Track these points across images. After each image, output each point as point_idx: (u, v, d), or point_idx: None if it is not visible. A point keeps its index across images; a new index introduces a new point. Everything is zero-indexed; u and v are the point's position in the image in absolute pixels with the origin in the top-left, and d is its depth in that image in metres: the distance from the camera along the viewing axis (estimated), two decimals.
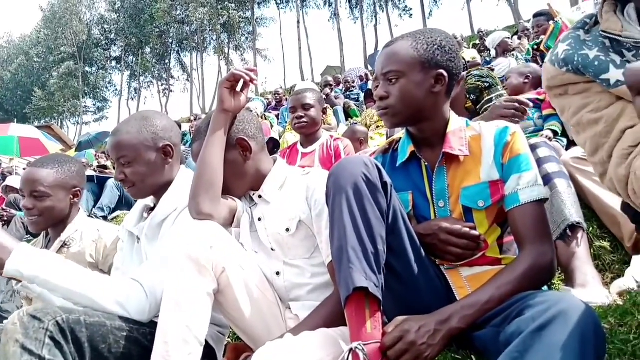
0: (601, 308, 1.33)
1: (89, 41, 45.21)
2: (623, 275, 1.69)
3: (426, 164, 1.46)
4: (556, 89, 1.28)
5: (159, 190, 1.78)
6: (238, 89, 1.63)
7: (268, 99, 11.95)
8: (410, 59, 1.41)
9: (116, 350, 1.41)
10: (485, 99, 2.64)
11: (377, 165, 1.30)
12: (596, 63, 1.17)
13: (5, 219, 5.67)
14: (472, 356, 1.21)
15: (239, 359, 1.48)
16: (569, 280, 1.74)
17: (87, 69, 46.71)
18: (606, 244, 1.96)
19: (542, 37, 5.05)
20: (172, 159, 1.78)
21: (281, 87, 12.69)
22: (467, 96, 2.20)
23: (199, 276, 1.36)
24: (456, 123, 1.47)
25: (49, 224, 2.03)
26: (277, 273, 1.56)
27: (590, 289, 1.64)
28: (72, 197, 2.02)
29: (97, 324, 1.39)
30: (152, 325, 1.53)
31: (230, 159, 1.59)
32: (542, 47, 4.50)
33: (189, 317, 1.33)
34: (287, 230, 1.54)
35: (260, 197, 1.64)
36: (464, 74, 2.29)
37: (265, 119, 7.87)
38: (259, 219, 1.62)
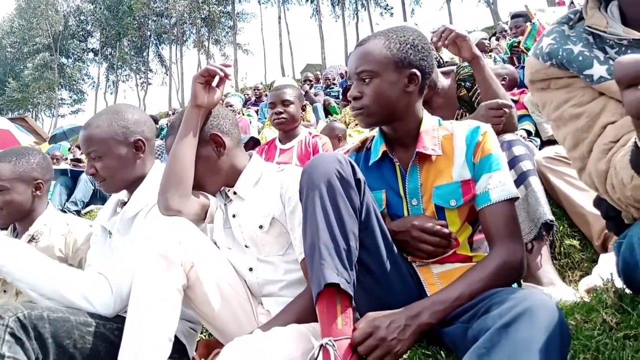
0: (568, 305, 1.36)
1: (65, 32, 44.29)
2: (591, 273, 1.73)
3: (398, 163, 1.46)
4: (539, 82, 1.29)
5: (131, 185, 1.75)
6: (214, 84, 1.61)
7: (248, 95, 11.87)
8: (383, 58, 1.40)
9: (82, 346, 1.39)
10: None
11: (350, 162, 1.30)
12: (580, 58, 1.18)
13: None
14: (442, 352, 1.22)
15: (211, 354, 1.47)
16: (531, 278, 1.77)
17: (63, 60, 45.75)
18: (575, 243, 2.01)
19: (520, 37, 5.12)
20: (143, 154, 1.75)
21: (261, 83, 12.58)
22: (462, 84, 2.19)
23: (167, 272, 1.34)
24: (429, 122, 1.47)
25: (12, 218, 1.98)
26: (250, 269, 1.55)
27: (559, 287, 1.68)
28: (34, 189, 1.96)
29: (61, 319, 1.36)
30: (119, 321, 1.51)
31: (204, 154, 1.57)
32: (521, 47, 4.57)
33: (158, 313, 1.32)
34: (261, 227, 1.53)
35: (235, 193, 1.62)
36: (453, 68, 2.28)
37: (243, 114, 7.81)
38: (233, 216, 1.61)
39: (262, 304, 1.53)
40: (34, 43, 43.57)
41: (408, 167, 1.43)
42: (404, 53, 1.40)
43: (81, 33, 46.25)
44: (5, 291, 1.89)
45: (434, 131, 1.45)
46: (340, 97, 9.11)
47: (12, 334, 1.24)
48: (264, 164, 1.72)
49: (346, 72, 13.37)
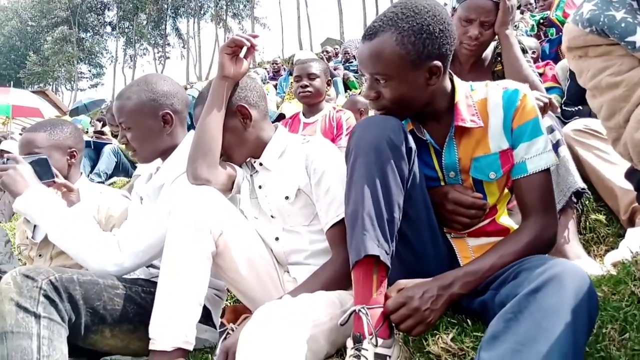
0: (595, 278, 1.36)
1: (82, 5, 44.25)
2: (617, 248, 1.72)
3: (429, 141, 1.36)
4: (576, 50, 1.26)
5: (162, 155, 1.78)
6: (241, 55, 1.60)
7: (266, 69, 11.82)
8: (397, 60, 1.24)
9: (111, 307, 1.44)
10: None
11: (403, 129, 1.26)
12: (623, 25, 1.15)
13: None
14: (467, 320, 1.24)
15: (238, 319, 1.51)
16: (557, 252, 1.77)
17: (81, 34, 45.80)
18: (601, 217, 1.99)
19: (547, 12, 4.99)
20: (172, 126, 1.76)
21: (279, 57, 12.51)
22: (500, 58, 2.15)
23: (197, 239, 1.37)
24: (462, 90, 1.37)
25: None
26: (277, 239, 1.57)
27: (585, 261, 1.68)
28: (68, 157, 2.02)
29: (90, 282, 1.41)
30: (146, 284, 1.56)
31: (231, 125, 1.58)
32: (551, 17, 4.45)
33: (188, 278, 1.36)
34: (287, 198, 1.54)
35: (261, 164, 1.64)
36: (495, 43, 2.17)
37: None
38: (260, 187, 1.62)
39: (288, 272, 1.56)
40: (53, 16, 43.64)
41: (444, 141, 1.36)
42: (421, 46, 1.23)
43: (99, 6, 46.15)
44: (40, 255, 1.96)
45: (468, 99, 1.36)
46: (360, 71, 9.02)
47: (46, 296, 1.28)
48: (289, 135, 1.72)
49: None
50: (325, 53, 10.12)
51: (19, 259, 3.61)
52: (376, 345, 1.09)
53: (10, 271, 1.30)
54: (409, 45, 1.23)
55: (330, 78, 3.22)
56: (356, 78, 8.48)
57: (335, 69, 8.29)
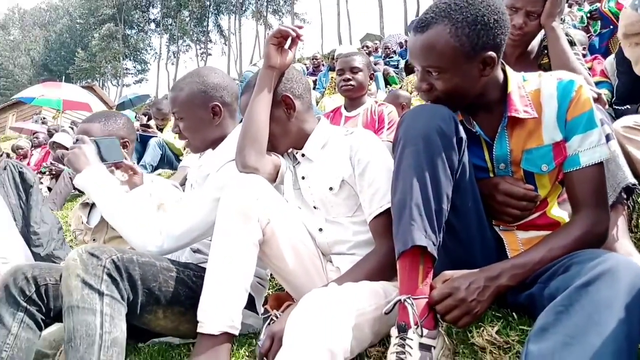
0: None
1: (128, 3, 45.48)
2: None
3: (479, 133, 1.35)
4: (633, 37, 1.22)
5: (212, 145, 1.84)
6: (286, 46, 1.63)
7: (305, 64, 11.87)
8: (451, 52, 1.23)
9: (165, 289, 1.49)
10: None
11: (453, 118, 1.24)
12: None
13: (54, 173, 5.93)
14: (513, 314, 1.23)
15: (281, 307, 1.54)
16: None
17: (127, 31, 47.14)
18: None
19: (597, 4, 4.82)
20: (220, 118, 1.81)
21: (319, 53, 12.52)
22: (545, 52, 2.11)
23: (245, 226, 1.40)
24: (514, 81, 1.35)
25: None
26: (320, 229, 1.59)
27: (637, 258, 1.63)
28: (121, 147, 2.10)
29: (148, 264, 1.46)
30: (196, 269, 1.62)
31: (275, 115, 1.60)
32: (603, 9, 4.29)
33: (236, 264, 1.39)
34: (331, 189, 1.56)
35: (303, 155, 1.66)
36: (541, 36, 2.12)
37: None
38: (303, 178, 1.65)
39: (331, 261, 1.58)
40: (100, 14, 45.07)
41: (495, 132, 1.34)
42: (475, 38, 1.21)
43: (143, 3, 47.33)
44: (94, 240, 2.05)
45: (521, 89, 1.34)
46: (400, 66, 8.95)
47: (109, 274, 1.34)
48: (332, 127, 1.74)
49: (406, 41, 13.08)
50: (365, 48, 10.07)
51: (71, 246, 3.78)
52: (421, 335, 1.10)
53: (76, 248, 1.36)
54: (463, 37, 1.22)
55: (372, 72, 3.21)
56: (396, 73, 8.42)
57: (375, 64, 8.25)
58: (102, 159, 1.81)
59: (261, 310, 1.84)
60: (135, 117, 11.81)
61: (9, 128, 19.11)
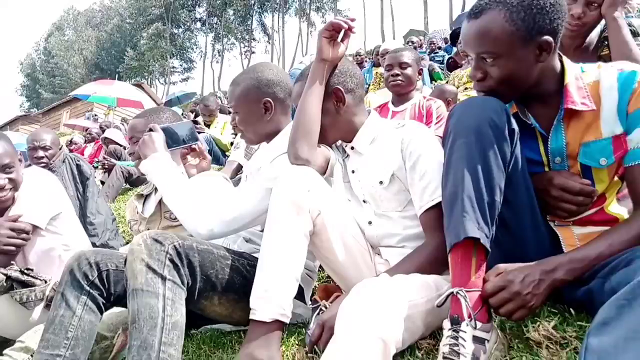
0: None
1: (175, 2, 46.62)
2: None
3: (534, 125, 1.33)
4: None
5: (266, 139, 1.90)
6: (338, 39, 1.63)
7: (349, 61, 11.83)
8: (507, 37, 1.22)
9: (222, 277, 1.53)
10: None
11: (505, 110, 1.23)
12: None
13: (107, 167, 6.17)
14: (570, 309, 1.20)
15: (330, 298, 1.56)
16: None
17: (174, 30, 48.35)
18: None
19: None
20: (271, 113, 1.85)
21: (362, 49, 12.47)
22: (605, 43, 2.03)
23: (297, 218, 1.42)
24: (572, 72, 1.32)
25: None
26: (369, 222, 1.60)
27: None
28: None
29: (207, 251, 1.50)
30: (250, 258, 1.65)
31: (325, 107, 1.61)
32: None
33: (287, 254, 1.41)
34: (381, 182, 1.56)
35: (352, 148, 1.67)
36: (601, 27, 2.06)
37: None
38: (353, 171, 1.65)
39: (380, 254, 1.58)
40: (149, 13, 46.47)
41: (551, 125, 1.32)
42: (531, 22, 1.21)
43: (190, 3, 48.40)
44: (148, 229, 2.12)
45: (578, 80, 1.30)
46: (445, 62, 8.79)
47: (171, 260, 1.39)
48: (382, 121, 1.73)
49: (451, 36, 12.84)
50: (410, 44, 9.94)
51: (123, 236, 3.93)
52: (475, 328, 1.09)
53: (140, 234, 1.42)
54: (519, 21, 1.21)
55: (421, 68, 3.19)
56: (441, 69, 8.29)
57: (421, 59, 8.15)
58: (175, 143, 1.94)
59: (309, 301, 1.87)
60: (183, 114, 12.13)
61: (63, 124, 20.01)
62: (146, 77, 48.43)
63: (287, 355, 1.46)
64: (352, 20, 1.62)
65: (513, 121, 1.24)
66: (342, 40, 1.64)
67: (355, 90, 1.67)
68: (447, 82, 5.66)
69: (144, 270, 1.34)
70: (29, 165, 3.55)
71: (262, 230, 1.82)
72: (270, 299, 1.38)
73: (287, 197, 1.43)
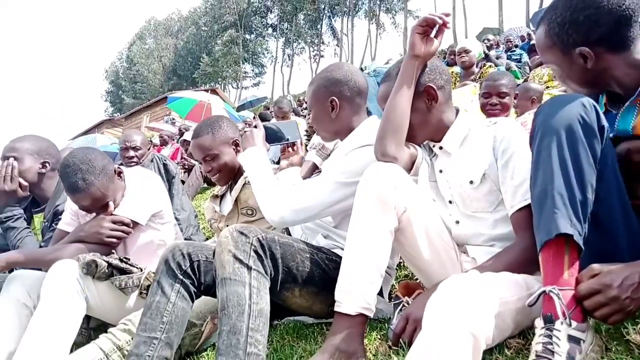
0: None
1: (248, 9, 48.05)
2: None
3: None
4: None
5: (338, 136, 1.97)
6: (432, 34, 1.60)
7: None
8: (549, 49, 1.37)
9: (302, 269, 1.58)
10: None
11: (595, 107, 1.21)
12: None
13: (186, 167, 6.48)
14: None
15: (412, 295, 1.56)
16: None
17: (246, 36, 49.84)
18: None
19: None
20: (337, 111, 1.90)
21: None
22: None
23: (382, 214, 1.44)
24: None
25: (228, 176, 2.33)
26: (457, 222, 1.59)
27: None
28: (234, 147, 2.29)
29: (287, 244, 1.56)
30: (328, 252, 1.70)
31: (416, 106, 1.60)
32: None
33: (372, 250, 1.43)
34: (471, 182, 1.54)
35: (441, 148, 1.65)
36: None
37: None
38: (440, 171, 1.64)
39: (466, 252, 1.57)
40: (223, 21, 48.23)
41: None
42: (565, 36, 1.32)
43: (262, 9, 49.71)
44: (227, 226, 2.22)
45: None
46: (523, 60, 8.48)
47: (255, 251, 1.46)
48: (473, 119, 1.69)
49: (528, 34, 12.34)
50: (486, 41, 9.66)
51: (204, 233, 4.12)
52: (570, 327, 1.06)
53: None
54: (554, 37, 1.34)
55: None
56: (518, 68, 7.99)
57: (498, 58, 7.90)
58: (276, 140, 2.15)
59: (386, 299, 1.88)
60: (254, 117, 12.50)
61: (144, 127, 21.19)
62: (220, 82, 50.16)
63: (370, 350, 1.48)
64: (447, 15, 1.58)
65: (602, 117, 1.21)
66: (435, 36, 1.61)
67: (445, 87, 1.65)
68: (525, 80, 5.46)
69: (231, 261, 1.42)
70: (121, 164, 3.82)
71: (335, 227, 1.87)
72: (355, 292, 1.41)
73: (373, 193, 1.44)
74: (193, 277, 1.66)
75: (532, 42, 11.01)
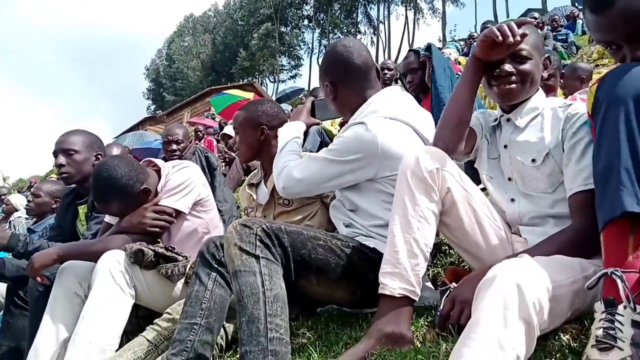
0: None
1: (283, 2, 48.15)
2: None
3: None
4: None
5: (348, 115, 1.97)
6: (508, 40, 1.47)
7: (461, 44, 11.43)
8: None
9: (315, 257, 1.55)
10: None
11: None
12: None
13: (227, 160, 6.57)
14: None
15: (459, 281, 1.51)
16: None
17: (282, 29, 49.96)
18: None
19: None
20: (334, 95, 1.96)
21: (475, 33, 11.95)
22: None
23: (425, 194, 1.41)
24: None
25: (247, 153, 2.33)
26: (512, 200, 1.55)
27: None
28: (259, 134, 2.24)
29: (296, 232, 1.54)
30: (345, 239, 1.67)
31: None
32: None
33: (417, 231, 1.40)
34: (533, 161, 1.50)
35: (508, 120, 1.61)
36: None
37: (460, 64, 7.56)
38: (505, 146, 1.60)
39: (518, 233, 1.52)
40: (259, 14, 48.48)
41: None
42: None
43: (297, 1, 49.71)
44: (264, 216, 2.23)
45: None
46: (570, 40, 8.16)
47: (261, 240, 1.45)
48: (549, 99, 1.64)
49: (573, 13, 11.83)
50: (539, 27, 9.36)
51: None
52: (634, 311, 1.00)
53: (232, 222, 1.50)
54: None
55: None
56: (564, 48, 7.69)
57: (546, 38, 7.63)
58: (325, 114, 2.22)
59: (442, 280, 1.83)
60: (291, 109, 12.55)
61: (186, 122, 21.63)
62: (257, 77, 50.62)
63: (417, 337, 1.45)
64: (527, 23, 1.49)
65: None
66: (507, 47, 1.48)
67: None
68: (575, 60, 5.23)
69: (239, 254, 1.42)
70: (164, 157, 3.89)
71: (353, 211, 1.83)
72: (400, 274, 1.38)
73: (415, 174, 1.41)
74: None
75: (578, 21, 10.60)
